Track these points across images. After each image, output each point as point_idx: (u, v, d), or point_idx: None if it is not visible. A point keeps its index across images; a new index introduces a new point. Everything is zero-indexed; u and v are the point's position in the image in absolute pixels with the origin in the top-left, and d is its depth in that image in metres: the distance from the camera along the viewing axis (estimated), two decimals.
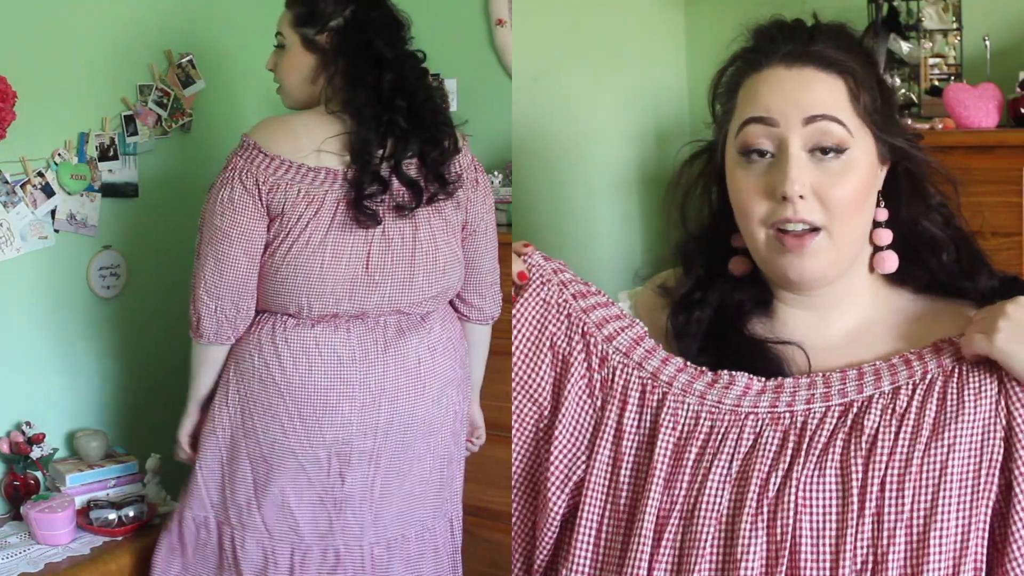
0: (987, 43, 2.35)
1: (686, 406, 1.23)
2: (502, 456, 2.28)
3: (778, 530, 1.15)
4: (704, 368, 1.26)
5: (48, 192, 2.38)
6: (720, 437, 1.21)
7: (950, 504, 1.13)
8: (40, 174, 2.37)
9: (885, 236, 1.28)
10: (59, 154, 2.40)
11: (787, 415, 1.20)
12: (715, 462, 1.19)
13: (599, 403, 1.26)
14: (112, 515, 2.23)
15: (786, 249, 1.20)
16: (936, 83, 2.41)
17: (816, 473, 1.16)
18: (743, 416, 1.21)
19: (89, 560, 2.12)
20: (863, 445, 1.16)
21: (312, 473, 1.89)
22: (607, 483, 1.24)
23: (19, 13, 2.32)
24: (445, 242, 1.95)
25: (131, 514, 2.24)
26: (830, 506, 1.15)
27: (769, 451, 1.19)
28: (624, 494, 1.23)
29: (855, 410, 1.19)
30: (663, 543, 1.18)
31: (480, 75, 2.80)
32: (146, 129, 2.60)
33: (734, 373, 1.25)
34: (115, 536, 2.21)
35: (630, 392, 1.26)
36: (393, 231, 1.88)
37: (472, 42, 2.80)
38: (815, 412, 1.20)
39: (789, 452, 1.18)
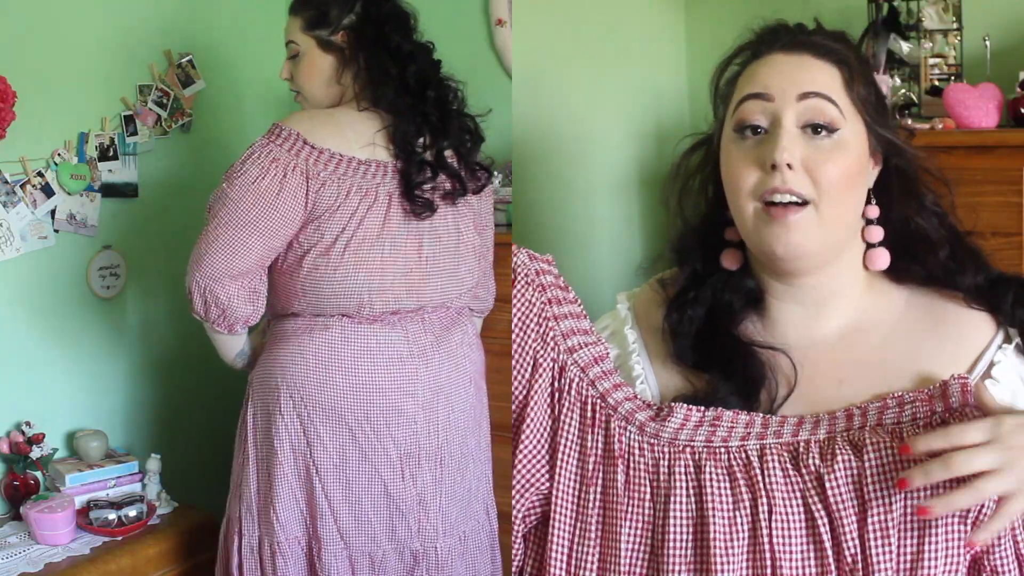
0: (987, 43, 2.34)
1: (628, 434, 1.23)
2: (502, 456, 2.28)
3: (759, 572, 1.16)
4: (650, 402, 1.26)
5: (48, 192, 2.38)
6: (667, 472, 1.21)
7: (936, 552, 1.14)
8: (40, 174, 2.37)
9: (876, 233, 1.29)
10: (59, 154, 2.40)
11: (722, 451, 1.20)
12: (671, 501, 1.19)
13: (556, 411, 1.26)
14: (112, 515, 2.23)
15: (772, 219, 1.20)
16: (936, 83, 2.40)
17: (782, 519, 1.17)
18: (680, 448, 1.21)
19: (89, 560, 2.12)
20: (830, 489, 1.17)
21: (386, 476, 1.86)
22: (574, 501, 1.24)
23: (19, 13, 2.32)
24: (474, 233, 1.98)
25: (131, 514, 2.24)
26: (806, 549, 1.16)
27: (720, 488, 1.19)
28: (594, 517, 1.23)
29: (799, 451, 1.20)
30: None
31: (480, 75, 2.80)
32: (146, 129, 2.60)
33: (674, 405, 1.24)
34: (115, 536, 2.21)
35: (584, 408, 1.26)
36: (439, 222, 1.90)
37: (472, 42, 2.80)
38: (751, 449, 1.20)
39: (743, 491, 1.19)
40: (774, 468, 1.18)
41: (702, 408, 1.24)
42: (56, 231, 2.42)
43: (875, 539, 1.13)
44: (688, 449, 1.21)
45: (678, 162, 1.36)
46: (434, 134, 1.89)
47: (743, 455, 1.20)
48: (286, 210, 1.78)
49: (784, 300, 1.29)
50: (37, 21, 2.36)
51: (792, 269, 1.25)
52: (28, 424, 2.35)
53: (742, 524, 1.17)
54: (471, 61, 2.79)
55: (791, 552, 1.15)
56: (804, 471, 1.18)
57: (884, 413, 1.20)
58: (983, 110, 2.24)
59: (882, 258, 1.29)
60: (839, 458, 1.17)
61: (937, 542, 1.13)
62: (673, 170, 1.37)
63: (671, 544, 1.18)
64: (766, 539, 1.16)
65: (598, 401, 1.26)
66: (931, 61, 2.42)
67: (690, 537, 1.18)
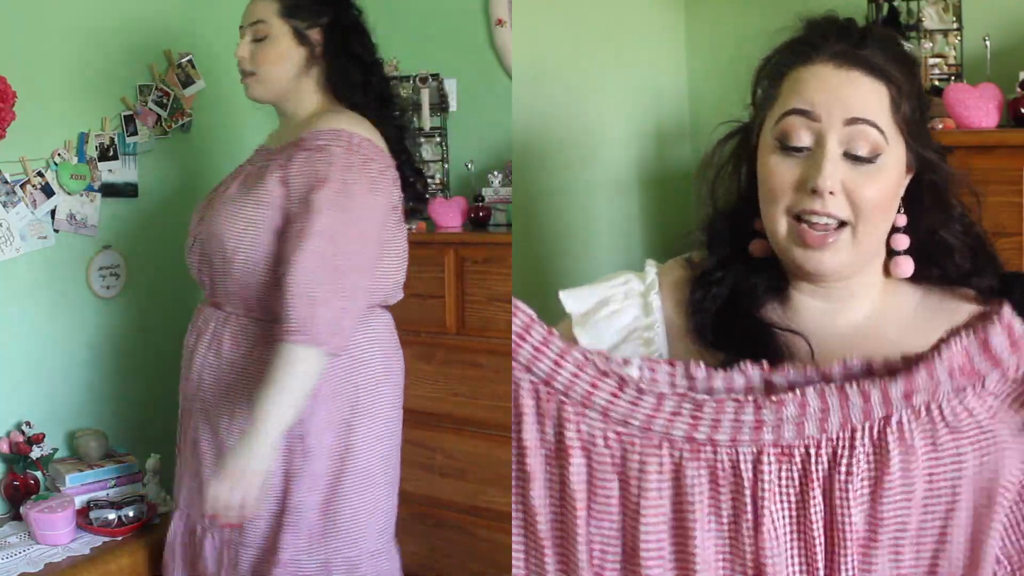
0: (987, 43, 2.34)
1: (588, 421, 1.07)
2: (502, 456, 2.28)
3: None
4: (606, 369, 1.08)
5: (48, 192, 2.38)
6: (638, 467, 1.06)
7: (952, 551, 1.06)
8: (40, 174, 2.37)
9: (903, 241, 1.30)
10: (59, 154, 2.40)
11: (708, 448, 1.06)
12: (644, 501, 1.06)
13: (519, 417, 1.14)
14: (112, 515, 2.23)
15: (806, 244, 1.22)
16: (936, 83, 2.40)
17: (772, 537, 1.06)
18: (656, 442, 1.06)
19: (89, 560, 2.12)
20: (834, 500, 1.06)
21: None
22: (520, 501, 1.12)
23: (19, 13, 2.32)
24: None
25: (131, 514, 2.24)
26: (793, 570, 1.07)
27: (700, 496, 1.06)
28: (541, 519, 1.10)
29: (801, 454, 1.06)
30: None
31: (480, 75, 2.80)
32: (146, 129, 2.60)
33: (643, 384, 1.08)
34: (115, 536, 2.21)
35: (523, 398, 1.10)
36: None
37: (472, 42, 2.80)
38: (743, 452, 1.06)
39: (727, 500, 1.06)
40: (770, 476, 1.06)
41: (683, 388, 1.09)
42: (56, 231, 2.42)
43: (883, 557, 1.04)
44: (665, 444, 1.06)
45: (712, 149, 1.37)
46: (406, 142, 1.95)
47: (732, 456, 1.06)
48: (388, 222, 1.84)
49: (806, 294, 1.31)
50: (37, 21, 2.36)
51: (820, 280, 1.28)
52: (28, 424, 2.34)
53: (726, 537, 1.06)
54: (471, 61, 2.80)
55: (776, 572, 1.06)
56: (807, 483, 1.06)
57: (913, 394, 1.05)
58: (983, 110, 2.24)
59: (906, 266, 1.30)
60: (855, 470, 1.05)
61: (958, 553, 1.04)
62: (707, 157, 1.37)
63: (646, 551, 1.06)
64: (749, 552, 1.06)
65: (541, 387, 1.08)
66: (931, 61, 2.42)
67: (668, 542, 1.07)
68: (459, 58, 2.82)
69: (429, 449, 2.26)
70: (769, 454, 1.06)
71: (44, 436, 2.33)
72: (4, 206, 2.30)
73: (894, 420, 1.05)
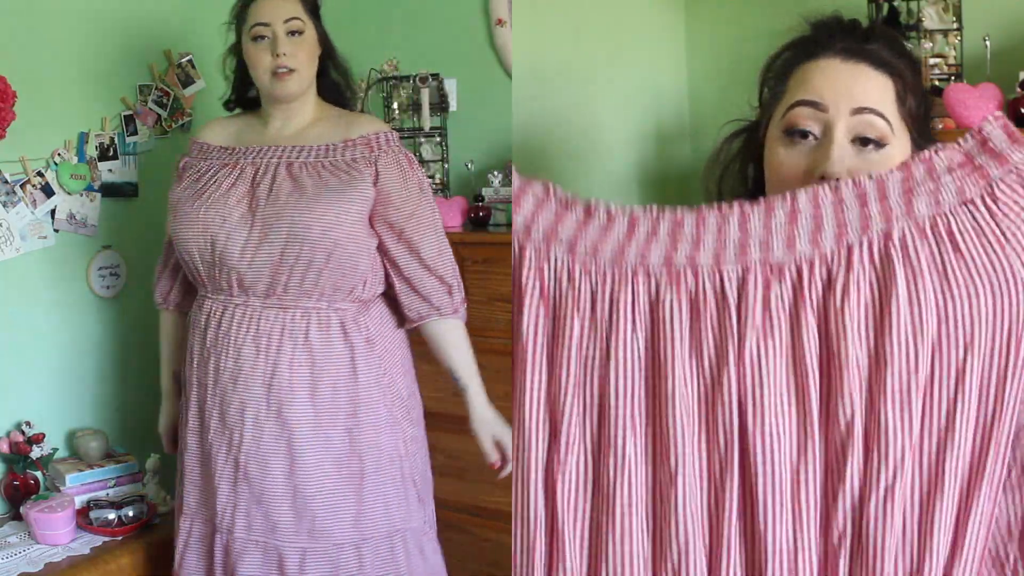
0: (987, 43, 2.34)
1: (553, 260, 0.97)
2: None
3: (720, 439, 0.94)
4: (570, 200, 0.98)
5: (48, 192, 2.38)
6: (607, 302, 0.95)
7: (968, 411, 0.94)
8: (40, 174, 2.37)
9: None
10: (59, 154, 2.40)
11: (688, 274, 0.95)
12: (614, 339, 0.95)
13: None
14: (112, 515, 2.23)
15: None
16: (936, 83, 2.40)
17: (760, 364, 0.93)
18: (628, 273, 0.95)
19: (89, 560, 2.12)
20: (831, 324, 0.93)
21: None
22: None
23: (20, 13, 2.32)
24: None
25: (131, 514, 2.24)
26: (785, 408, 0.94)
27: (679, 331, 0.94)
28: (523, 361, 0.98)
29: (793, 275, 0.95)
30: (563, 440, 0.96)
31: (480, 75, 2.80)
32: (146, 129, 2.60)
33: (612, 208, 0.97)
34: (115, 536, 2.21)
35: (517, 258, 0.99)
36: None
37: (472, 42, 2.80)
38: (728, 275, 0.95)
39: (708, 335, 0.94)
40: (757, 300, 0.95)
41: (657, 208, 0.97)
42: (56, 231, 2.42)
43: (891, 406, 0.93)
44: (640, 273, 0.95)
45: (719, 147, 1.37)
46: None
47: (716, 283, 0.95)
48: None
49: None
50: (37, 21, 2.36)
51: None
52: (28, 424, 2.34)
53: (707, 378, 0.94)
54: (471, 61, 2.80)
55: (763, 412, 0.94)
56: (800, 307, 0.95)
57: (913, 194, 0.96)
58: (983, 110, 2.24)
59: None
60: (853, 290, 0.94)
61: (973, 416, 0.93)
62: (714, 154, 1.38)
63: (615, 398, 0.95)
64: (734, 391, 0.94)
65: (521, 237, 0.98)
66: (931, 61, 2.42)
67: (640, 386, 0.96)
68: (459, 58, 2.81)
69: (429, 449, 2.26)
70: (756, 274, 0.95)
71: (44, 436, 2.33)
72: (4, 206, 2.30)
73: (896, 236, 0.96)
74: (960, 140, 0.99)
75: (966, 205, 0.96)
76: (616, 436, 0.95)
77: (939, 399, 0.94)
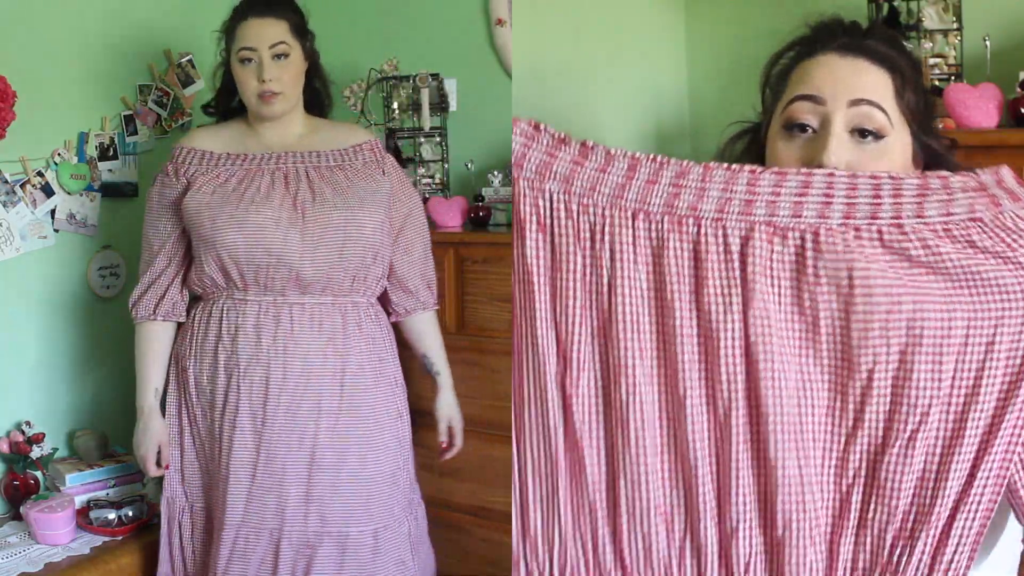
0: (987, 43, 2.34)
1: (546, 194, 0.97)
2: (502, 456, 2.28)
3: (724, 379, 0.96)
4: (564, 137, 0.98)
5: (48, 192, 2.38)
6: (608, 239, 0.95)
7: (995, 376, 0.97)
8: (40, 174, 2.37)
9: None
10: (59, 154, 2.40)
11: (690, 222, 0.95)
12: (618, 275, 0.95)
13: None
14: (112, 515, 2.23)
15: None
16: (936, 83, 2.40)
17: (763, 320, 0.94)
18: (628, 215, 0.95)
19: (89, 560, 2.12)
20: (836, 282, 0.94)
21: None
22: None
23: (19, 13, 2.32)
24: None
25: (131, 514, 2.25)
26: (790, 352, 0.95)
27: (683, 271, 0.95)
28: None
29: (796, 240, 0.96)
30: (574, 361, 0.97)
31: (480, 75, 2.80)
32: (146, 129, 2.60)
33: (612, 149, 0.98)
34: (115, 536, 2.21)
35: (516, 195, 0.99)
36: None
37: (472, 42, 2.80)
38: (731, 224, 0.95)
39: (715, 279, 0.95)
40: (760, 253, 0.95)
41: (659, 157, 0.96)
42: (56, 231, 2.42)
43: (923, 364, 0.96)
44: (640, 216, 0.95)
45: (722, 148, 1.38)
46: None
47: (719, 233, 0.95)
48: None
49: None
50: (37, 21, 2.36)
51: None
52: (28, 424, 2.34)
53: (710, 318, 0.94)
54: (471, 61, 2.79)
55: (772, 360, 0.94)
56: (802, 273, 0.96)
57: (926, 199, 0.97)
58: (983, 110, 2.24)
59: None
60: (861, 256, 0.94)
61: (998, 382, 0.96)
62: (717, 155, 1.38)
63: (622, 327, 0.95)
64: (738, 337, 0.94)
65: (515, 173, 0.99)
66: (931, 61, 2.42)
67: (647, 321, 0.96)
68: (459, 58, 2.81)
69: (429, 449, 2.26)
70: (760, 232, 0.95)
71: (44, 436, 2.33)
72: (4, 206, 2.30)
73: (907, 227, 0.97)
74: (977, 171, 1.01)
75: (975, 221, 0.99)
76: (625, 361, 0.96)
77: (969, 363, 0.98)
